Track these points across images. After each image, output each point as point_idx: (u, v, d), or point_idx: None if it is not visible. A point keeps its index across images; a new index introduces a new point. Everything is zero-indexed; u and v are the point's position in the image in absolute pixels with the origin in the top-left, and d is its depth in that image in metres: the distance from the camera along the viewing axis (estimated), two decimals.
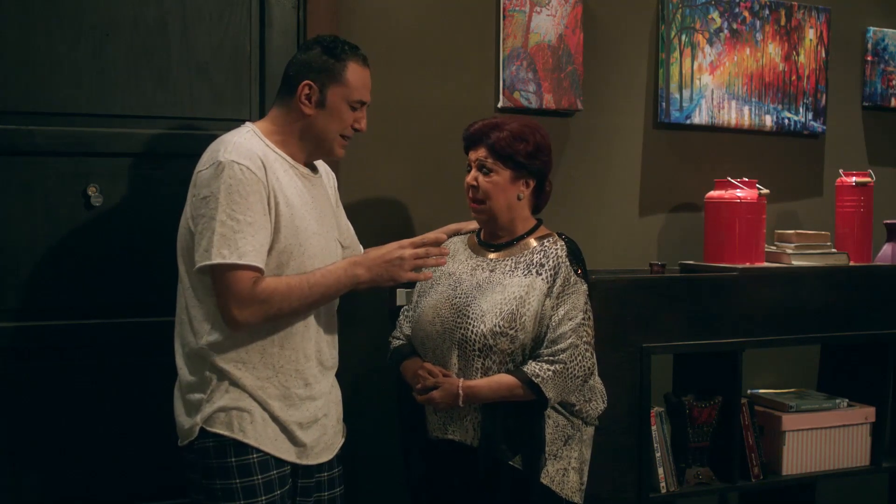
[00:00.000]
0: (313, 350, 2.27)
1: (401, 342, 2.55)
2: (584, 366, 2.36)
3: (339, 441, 2.40)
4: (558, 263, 2.39)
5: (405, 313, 2.61)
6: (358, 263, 2.23)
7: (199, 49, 2.63)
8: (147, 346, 2.56)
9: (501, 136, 2.42)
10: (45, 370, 2.52)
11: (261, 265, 2.12)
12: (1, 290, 2.48)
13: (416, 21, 2.94)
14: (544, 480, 2.36)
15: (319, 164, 2.42)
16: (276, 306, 2.13)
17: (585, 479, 2.47)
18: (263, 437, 2.18)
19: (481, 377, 2.36)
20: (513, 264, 2.43)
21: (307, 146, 2.27)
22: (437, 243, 2.33)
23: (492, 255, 2.48)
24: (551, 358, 2.33)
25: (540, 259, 2.41)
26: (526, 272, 2.40)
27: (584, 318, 2.38)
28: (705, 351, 2.98)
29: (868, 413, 3.20)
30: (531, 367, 2.33)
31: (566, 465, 2.40)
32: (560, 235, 2.48)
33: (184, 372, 2.22)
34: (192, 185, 2.17)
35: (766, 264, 3.11)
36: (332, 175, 2.50)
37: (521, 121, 2.50)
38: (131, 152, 2.57)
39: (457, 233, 2.64)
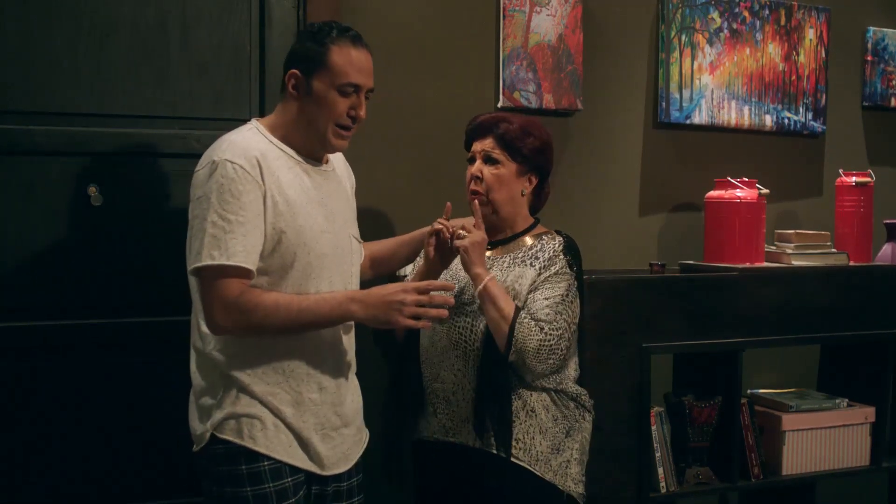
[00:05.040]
0: (328, 351, 2.20)
1: None
2: (562, 336, 2.29)
3: (359, 450, 2.32)
4: (553, 256, 2.38)
5: None
6: (355, 300, 2.12)
7: (200, 49, 2.63)
8: (148, 345, 2.56)
9: (511, 128, 2.41)
10: (45, 370, 2.51)
11: (249, 266, 2.06)
12: (1, 289, 2.48)
13: (416, 21, 2.94)
14: (546, 476, 2.34)
15: (339, 161, 2.35)
16: (257, 320, 2.05)
17: (584, 468, 2.45)
18: (275, 445, 2.13)
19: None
20: (510, 261, 2.42)
21: (307, 139, 2.18)
22: (447, 290, 2.24)
23: (489, 253, 2.45)
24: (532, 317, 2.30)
25: (536, 252, 2.40)
26: (521, 266, 2.39)
27: (562, 301, 2.32)
28: (705, 351, 2.98)
29: (868, 413, 3.19)
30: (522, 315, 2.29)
31: (569, 457, 2.39)
32: (559, 233, 2.47)
33: (196, 377, 2.18)
34: (192, 187, 2.13)
35: (765, 264, 3.11)
36: (351, 173, 2.42)
37: (526, 118, 2.49)
38: (131, 152, 2.57)
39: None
